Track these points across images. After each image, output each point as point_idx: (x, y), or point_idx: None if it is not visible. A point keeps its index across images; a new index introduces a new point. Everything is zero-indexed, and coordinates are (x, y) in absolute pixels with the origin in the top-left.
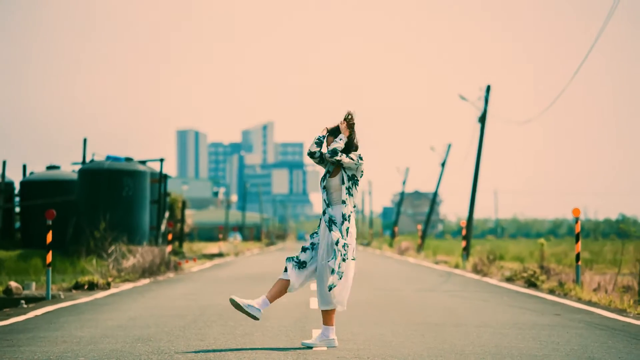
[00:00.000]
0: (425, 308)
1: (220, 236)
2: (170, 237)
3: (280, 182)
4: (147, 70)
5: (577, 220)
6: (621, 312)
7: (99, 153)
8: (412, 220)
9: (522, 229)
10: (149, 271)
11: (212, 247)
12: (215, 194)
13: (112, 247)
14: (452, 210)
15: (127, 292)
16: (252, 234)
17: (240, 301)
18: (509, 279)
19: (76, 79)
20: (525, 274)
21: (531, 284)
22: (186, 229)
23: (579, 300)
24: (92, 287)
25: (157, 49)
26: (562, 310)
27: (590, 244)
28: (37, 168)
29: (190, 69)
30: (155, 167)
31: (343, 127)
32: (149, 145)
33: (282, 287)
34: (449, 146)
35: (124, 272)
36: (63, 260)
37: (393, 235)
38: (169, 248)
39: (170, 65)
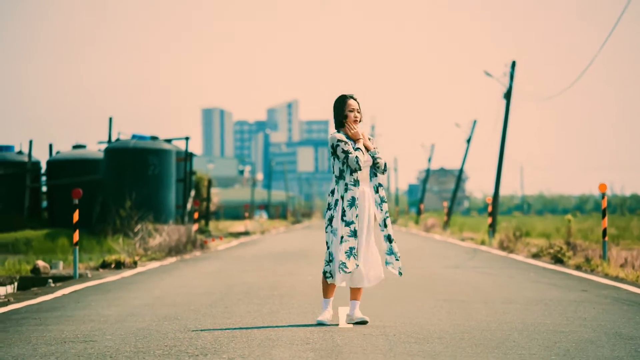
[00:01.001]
0: (451, 284)
1: (246, 215)
2: (196, 215)
3: (305, 160)
4: (172, 49)
5: (603, 195)
6: None
7: (124, 132)
8: (438, 197)
9: (548, 205)
10: (175, 250)
11: (238, 226)
12: (241, 172)
13: (139, 226)
14: (478, 186)
15: (154, 271)
16: (277, 212)
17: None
18: (535, 255)
19: (102, 58)
20: (551, 250)
21: (557, 260)
22: (212, 208)
23: (606, 276)
24: (119, 266)
25: (181, 28)
26: (589, 286)
27: (617, 219)
28: (64, 147)
29: (215, 47)
30: (181, 145)
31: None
32: (174, 124)
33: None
34: (474, 122)
35: (151, 251)
36: (90, 239)
37: (419, 212)
38: (195, 226)
39: (195, 44)
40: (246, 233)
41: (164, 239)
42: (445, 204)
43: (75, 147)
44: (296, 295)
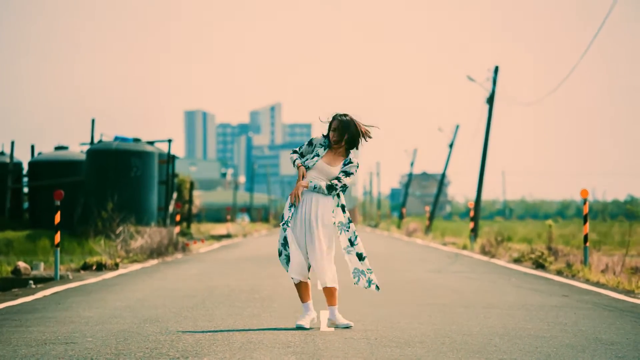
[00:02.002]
0: (432, 289)
1: (228, 217)
2: (178, 218)
3: (288, 164)
4: (155, 51)
5: (585, 201)
6: (629, 293)
7: (107, 134)
8: (420, 201)
9: (530, 210)
10: (157, 252)
11: (220, 229)
12: (224, 175)
13: (120, 228)
14: (460, 191)
15: (135, 273)
16: (260, 215)
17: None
18: (517, 260)
19: (84, 59)
20: (533, 256)
21: (539, 265)
22: (194, 210)
23: (587, 281)
24: (100, 267)
25: (164, 30)
26: (570, 292)
27: (599, 225)
28: (46, 148)
29: (198, 49)
30: (163, 147)
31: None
32: (157, 126)
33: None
34: (457, 127)
35: (132, 253)
36: (71, 241)
37: (401, 216)
38: (177, 229)
39: (178, 46)
40: (228, 236)
41: (145, 241)
42: (428, 208)
43: (58, 148)
44: (277, 299)
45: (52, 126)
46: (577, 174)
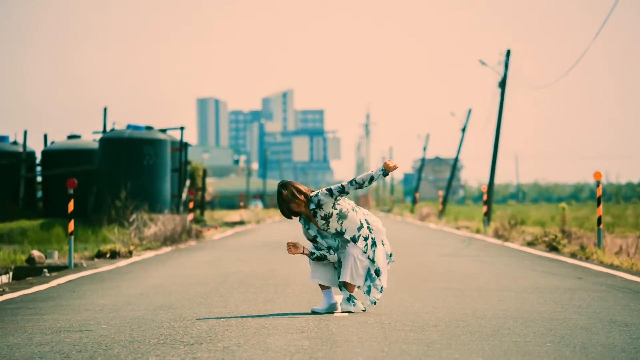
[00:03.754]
0: (446, 273)
1: (242, 204)
2: (191, 205)
3: (300, 150)
4: (167, 39)
5: (598, 183)
6: None
7: (119, 122)
8: (433, 186)
9: (543, 193)
10: (170, 239)
11: (234, 215)
12: (236, 162)
13: (134, 216)
14: (474, 175)
15: (149, 261)
16: (273, 201)
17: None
18: (530, 244)
19: (97, 49)
20: (546, 239)
21: (552, 248)
22: (207, 197)
23: (601, 263)
24: (114, 255)
25: (176, 18)
26: (584, 274)
27: (612, 207)
28: (58, 138)
29: (210, 37)
30: (176, 135)
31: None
32: (169, 114)
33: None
34: (469, 111)
35: (146, 241)
36: (85, 229)
37: (414, 201)
38: (190, 216)
39: (189, 34)
40: (241, 222)
41: (159, 229)
42: (441, 193)
43: (70, 137)
44: (291, 284)
45: (64, 115)
46: (591, 156)
